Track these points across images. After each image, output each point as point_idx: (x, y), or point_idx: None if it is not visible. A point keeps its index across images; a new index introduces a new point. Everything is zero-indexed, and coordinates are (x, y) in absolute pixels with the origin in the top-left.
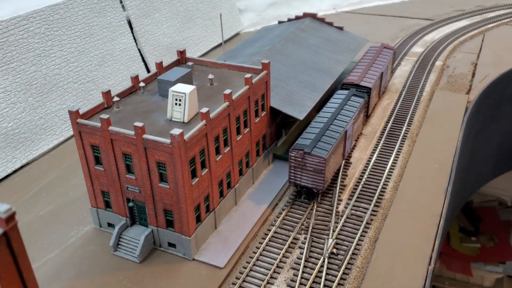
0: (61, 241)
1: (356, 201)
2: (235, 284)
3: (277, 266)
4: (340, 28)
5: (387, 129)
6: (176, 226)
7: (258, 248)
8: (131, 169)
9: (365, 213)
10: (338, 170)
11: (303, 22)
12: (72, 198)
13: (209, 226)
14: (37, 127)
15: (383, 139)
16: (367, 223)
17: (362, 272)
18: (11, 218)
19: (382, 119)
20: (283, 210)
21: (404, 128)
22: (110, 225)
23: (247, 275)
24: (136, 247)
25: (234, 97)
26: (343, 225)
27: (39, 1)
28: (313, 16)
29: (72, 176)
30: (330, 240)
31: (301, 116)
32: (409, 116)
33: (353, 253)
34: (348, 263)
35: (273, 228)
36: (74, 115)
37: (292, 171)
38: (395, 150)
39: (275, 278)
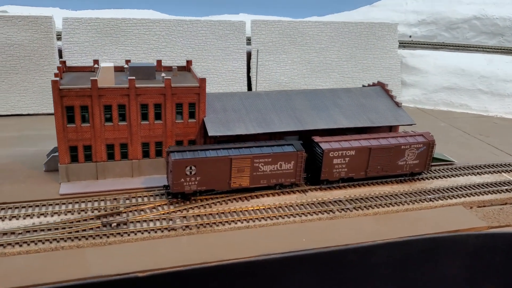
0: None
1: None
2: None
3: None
4: (397, 104)
5: (328, 200)
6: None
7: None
8: None
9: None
10: (222, 194)
11: (370, 88)
12: None
13: (89, 173)
14: None
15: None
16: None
17: None
18: None
19: (347, 193)
20: (152, 193)
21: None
22: None
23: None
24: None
25: (138, 85)
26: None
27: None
28: (382, 85)
29: None
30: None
31: (211, 133)
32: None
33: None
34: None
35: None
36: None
37: (166, 167)
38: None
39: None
